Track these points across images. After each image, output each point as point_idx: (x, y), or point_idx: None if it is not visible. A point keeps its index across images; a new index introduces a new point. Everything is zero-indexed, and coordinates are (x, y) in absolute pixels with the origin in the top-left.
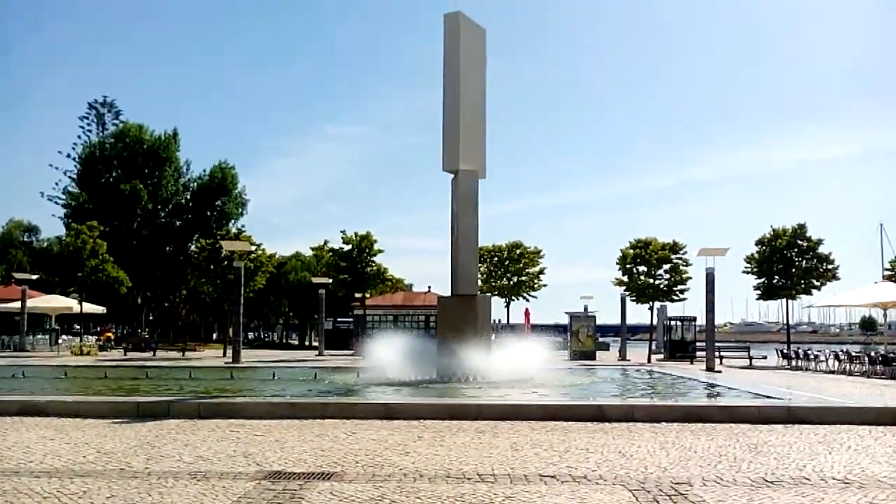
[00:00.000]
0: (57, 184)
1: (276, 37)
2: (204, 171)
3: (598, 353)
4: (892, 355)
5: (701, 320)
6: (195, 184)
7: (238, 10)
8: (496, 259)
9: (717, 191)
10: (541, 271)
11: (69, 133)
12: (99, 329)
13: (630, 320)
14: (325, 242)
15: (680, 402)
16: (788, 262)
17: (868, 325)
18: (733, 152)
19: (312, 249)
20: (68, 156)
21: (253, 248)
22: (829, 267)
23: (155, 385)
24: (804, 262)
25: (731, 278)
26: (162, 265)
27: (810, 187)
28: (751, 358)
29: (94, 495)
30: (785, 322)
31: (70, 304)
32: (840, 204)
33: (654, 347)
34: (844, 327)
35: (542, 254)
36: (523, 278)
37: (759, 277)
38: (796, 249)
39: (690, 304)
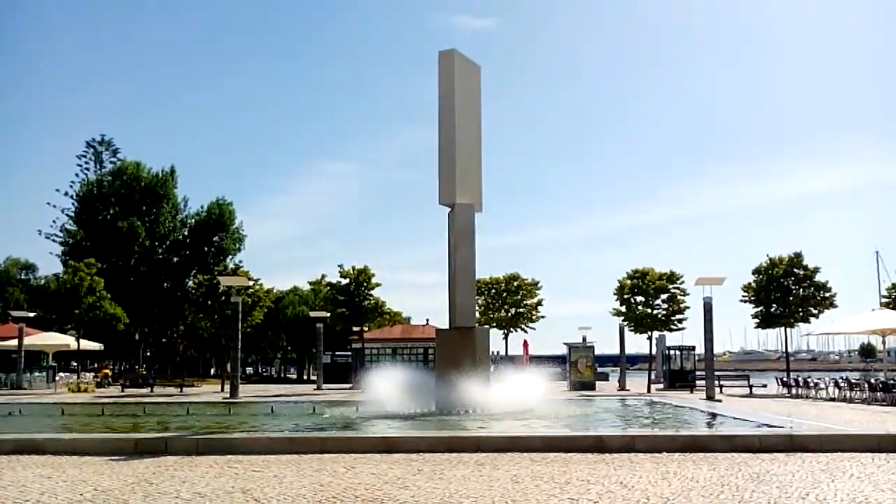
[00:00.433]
0: (54, 222)
1: (272, 76)
2: (201, 207)
3: (598, 384)
4: (892, 382)
5: (700, 349)
6: (193, 220)
7: (234, 51)
8: (494, 291)
9: (713, 221)
10: (539, 303)
11: (67, 171)
12: (96, 366)
13: (629, 350)
14: (323, 277)
15: (681, 431)
16: (786, 291)
17: (867, 352)
18: (730, 183)
19: (310, 284)
20: (66, 194)
21: (251, 283)
22: (827, 295)
23: (152, 421)
24: (801, 290)
25: (729, 307)
26: (159, 301)
27: (806, 217)
28: (751, 386)
29: None
30: (784, 350)
31: (67, 341)
32: (836, 232)
33: (653, 377)
34: (843, 354)
35: (539, 285)
36: (521, 310)
37: (757, 306)
38: (793, 278)
39: (689, 334)
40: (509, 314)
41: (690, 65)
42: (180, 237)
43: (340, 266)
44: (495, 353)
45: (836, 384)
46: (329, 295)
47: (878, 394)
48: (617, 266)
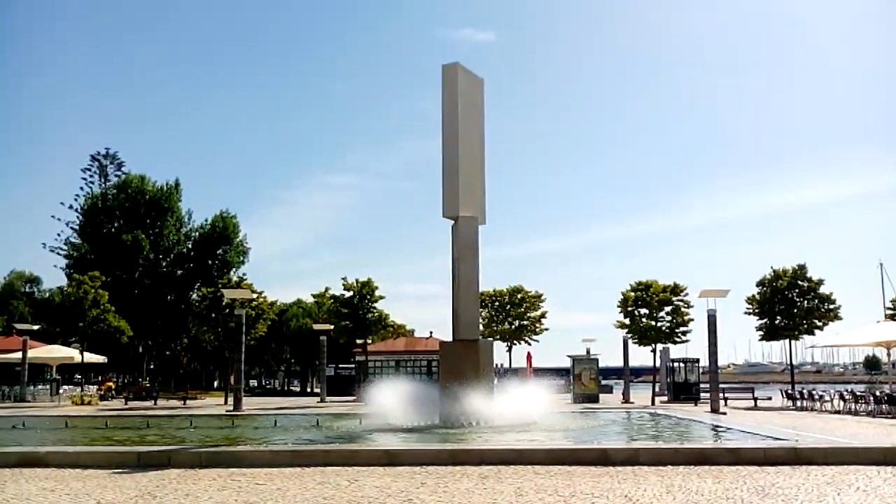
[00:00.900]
0: (59, 235)
1: (275, 89)
2: (206, 220)
3: (602, 396)
4: None
5: (704, 362)
6: (197, 233)
7: (237, 64)
8: (497, 304)
9: (717, 233)
10: (542, 315)
11: (71, 185)
12: (100, 378)
13: (633, 363)
14: (327, 289)
15: (685, 444)
16: (790, 303)
17: (872, 364)
18: (734, 193)
19: (314, 296)
20: (70, 207)
21: (254, 295)
22: (831, 307)
23: (156, 434)
24: (806, 302)
25: (733, 319)
26: (163, 314)
27: (810, 228)
28: (755, 399)
29: None
30: (788, 362)
31: (71, 353)
32: (840, 244)
33: (657, 390)
34: (848, 367)
35: (543, 298)
36: (525, 322)
37: (761, 318)
38: (797, 290)
39: (693, 346)
40: (513, 326)
41: (693, 75)
42: (184, 250)
43: (344, 279)
44: (499, 366)
45: (841, 397)
46: (333, 307)
47: (884, 406)
48: (620, 277)
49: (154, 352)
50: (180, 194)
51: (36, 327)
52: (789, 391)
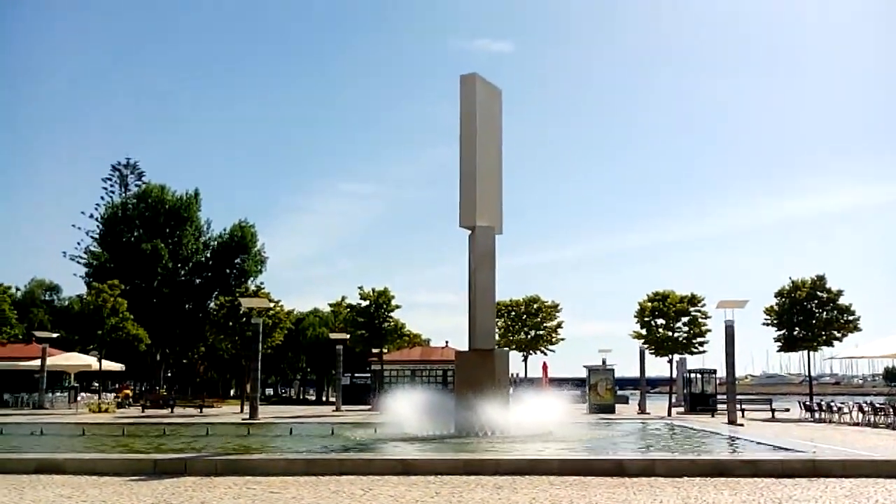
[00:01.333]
0: (79, 244)
1: (293, 97)
2: (224, 229)
3: (618, 407)
4: None
5: (721, 373)
6: (215, 242)
7: (255, 74)
8: (513, 313)
9: (735, 240)
10: (558, 325)
11: (91, 194)
12: (117, 386)
13: (649, 373)
14: (343, 298)
15: (702, 455)
16: (809, 314)
17: (892, 375)
18: (752, 201)
19: (330, 305)
20: (91, 216)
21: (271, 304)
22: (850, 318)
23: (172, 442)
24: (825, 313)
25: (751, 330)
26: (181, 322)
27: (829, 238)
28: (773, 410)
29: None
30: (807, 374)
31: (89, 361)
32: (860, 253)
33: (674, 400)
34: (868, 378)
35: (559, 308)
36: (541, 332)
37: (780, 329)
38: (816, 301)
39: (710, 357)
40: (529, 336)
41: (711, 82)
42: (203, 259)
43: (360, 288)
44: (515, 376)
45: (861, 409)
46: (349, 317)
47: None
48: (635, 285)
49: (171, 360)
50: (199, 204)
51: (55, 335)
52: (807, 403)
